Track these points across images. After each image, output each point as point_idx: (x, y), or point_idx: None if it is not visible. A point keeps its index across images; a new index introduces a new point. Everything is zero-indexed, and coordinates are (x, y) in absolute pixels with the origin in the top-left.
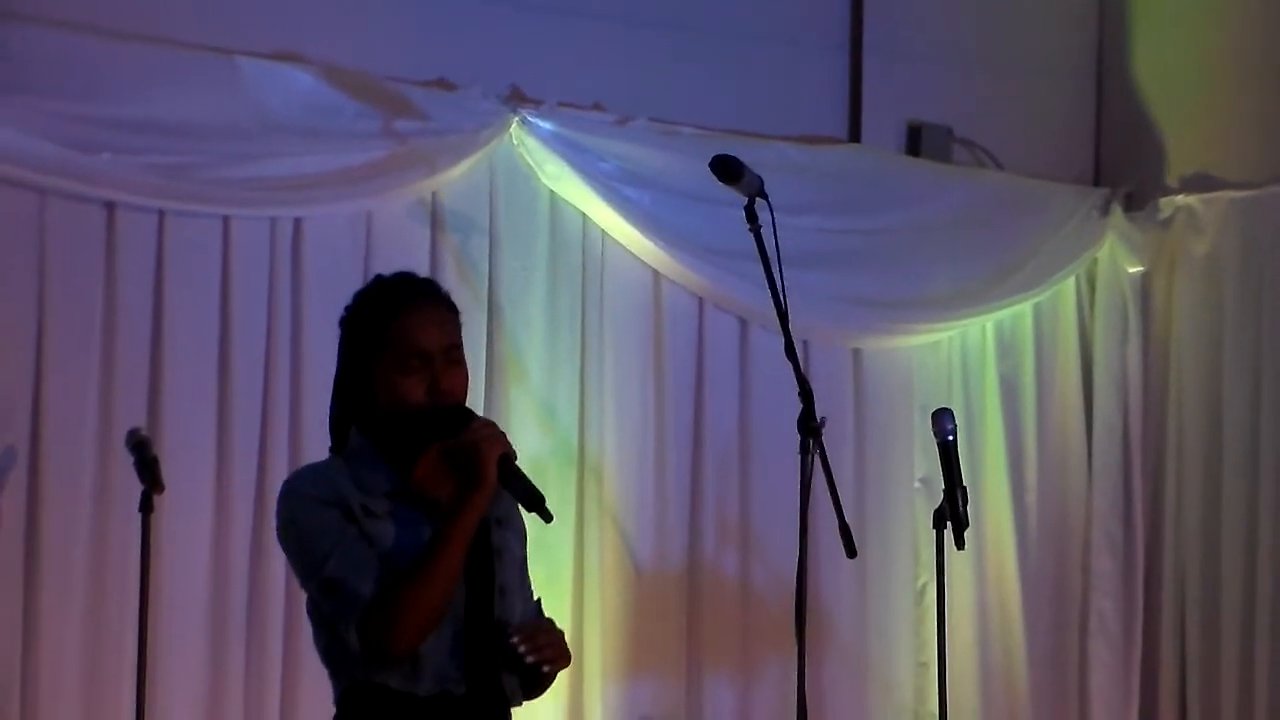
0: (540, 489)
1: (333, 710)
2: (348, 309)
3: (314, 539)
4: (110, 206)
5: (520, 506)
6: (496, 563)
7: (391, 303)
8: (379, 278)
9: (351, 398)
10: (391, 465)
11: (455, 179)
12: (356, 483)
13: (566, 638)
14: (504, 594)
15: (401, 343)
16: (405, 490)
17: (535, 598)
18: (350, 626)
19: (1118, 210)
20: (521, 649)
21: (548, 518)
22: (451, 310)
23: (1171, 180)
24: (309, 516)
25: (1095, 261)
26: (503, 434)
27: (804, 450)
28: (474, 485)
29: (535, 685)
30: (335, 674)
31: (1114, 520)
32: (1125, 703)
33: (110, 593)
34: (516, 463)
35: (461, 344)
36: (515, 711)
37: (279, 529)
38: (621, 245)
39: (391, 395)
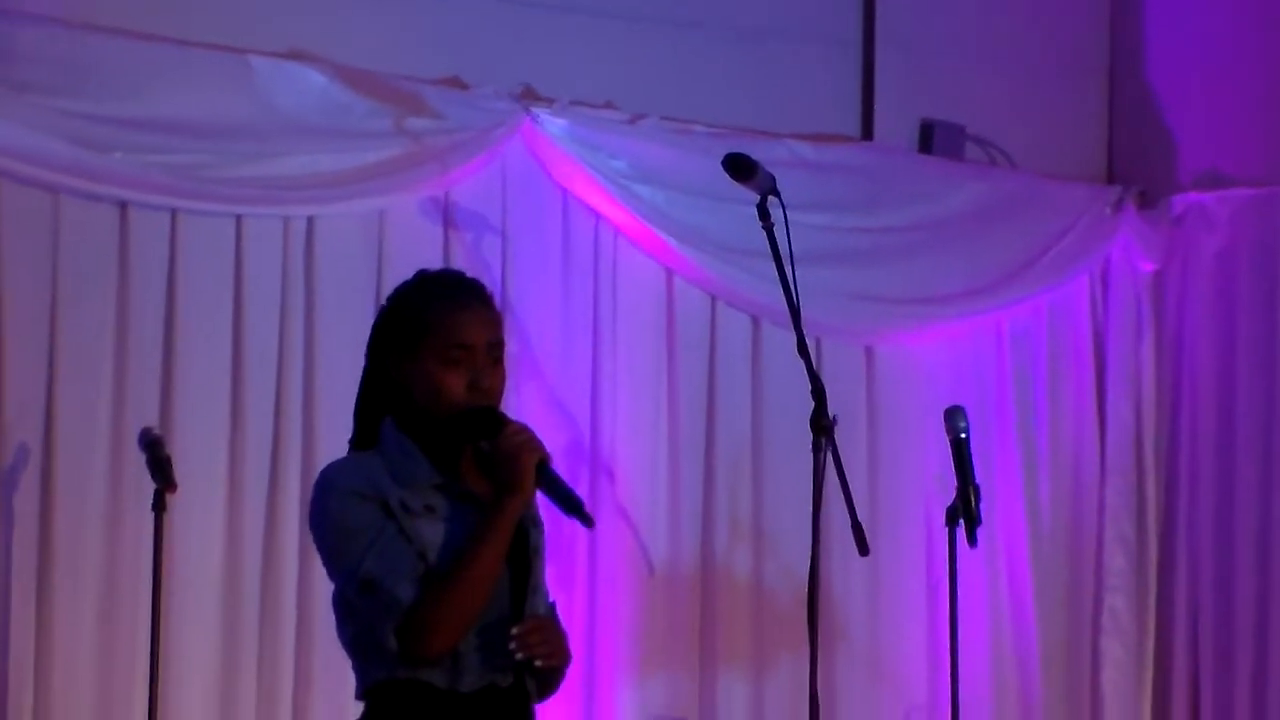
0: (577, 494)
1: (351, 704)
2: (388, 301)
3: (351, 534)
4: (123, 205)
5: (560, 511)
6: (534, 562)
7: (437, 295)
8: (422, 273)
9: (385, 391)
10: (431, 459)
11: (468, 177)
12: (395, 477)
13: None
14: (534, 593)
15: (445, 334)
16: (452, 485)
17: (551, 600)
18: (389, 630)
19: (1130, 208)
20: (512, 645)
21: (588, 522)
22: (496, 311)
23: (1184, 178)
24: (347, 510)
25: (1108, 259)
26: (537, 439)
27: (816, 448)
28: (511, 491)
29: (546, 683)
30: (364, 667)
31: (1126, 518)
32: (1138, 699)
33: (123, 591)
34: (552, 467)
35: (504, 343)
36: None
37: (314, 520)
38: (634, 243)
39: (430, 388)
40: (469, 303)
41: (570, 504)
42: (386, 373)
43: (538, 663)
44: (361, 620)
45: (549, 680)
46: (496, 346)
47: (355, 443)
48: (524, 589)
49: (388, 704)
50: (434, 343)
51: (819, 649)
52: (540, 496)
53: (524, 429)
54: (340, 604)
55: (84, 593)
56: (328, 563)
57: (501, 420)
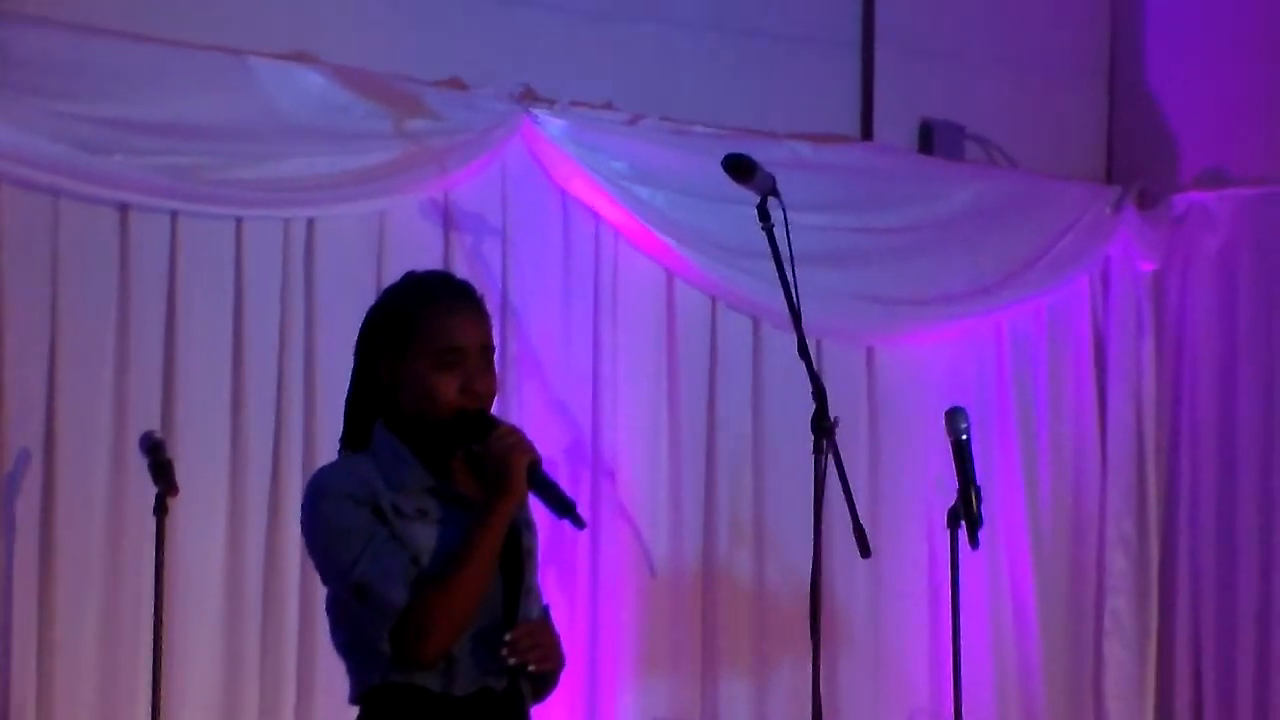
0: (570, 496)
1: (349, 709)
2: (377, 302)
3: (344, 538)
4: (123, 208)
5: (552, 513)
6: (526, 564)
7: (429, 298)
8: (411, 274)
9: (375, 392)
10: (423, 462)
11: (468, 179)
12: (387, 481)
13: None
14: (528, 595)
15: (437, 338)
16: (444, 488)
17: (545, 603)
18: (383, 635)
19: (1130, 207)
20: (504, 651)
21: (580, 524)
22: (486, 314)
23: (1184, 177)
24: (339, 514)
25: (1108, 259)
26: (529, 441)
27: (817, 450)
28: (502, 493)
29: (541, 687)
30: (358, 671)
31: (1128, 519)
32: (1140, 701)
33: (125, 595)
34: (543, 469)
35: (494, 347)
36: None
37: (306, 524)
38: (634, 244)
39: (422, 392)
40: (461, 306)
41: (562, 506)
42: (376, 374)
43: (531, 667)
44: (355, 624)
45: (544, 684)
46: (488, 350)
47: (345, 443)
48: (517, 592)
49: (383, 708)
50: (426, 346)
51: (821, 651)
52: (534, 499)
53: (514, 430)
54: (334, 608)
55: (86, 597)
56: (320, 567)
57: (492, 422)
